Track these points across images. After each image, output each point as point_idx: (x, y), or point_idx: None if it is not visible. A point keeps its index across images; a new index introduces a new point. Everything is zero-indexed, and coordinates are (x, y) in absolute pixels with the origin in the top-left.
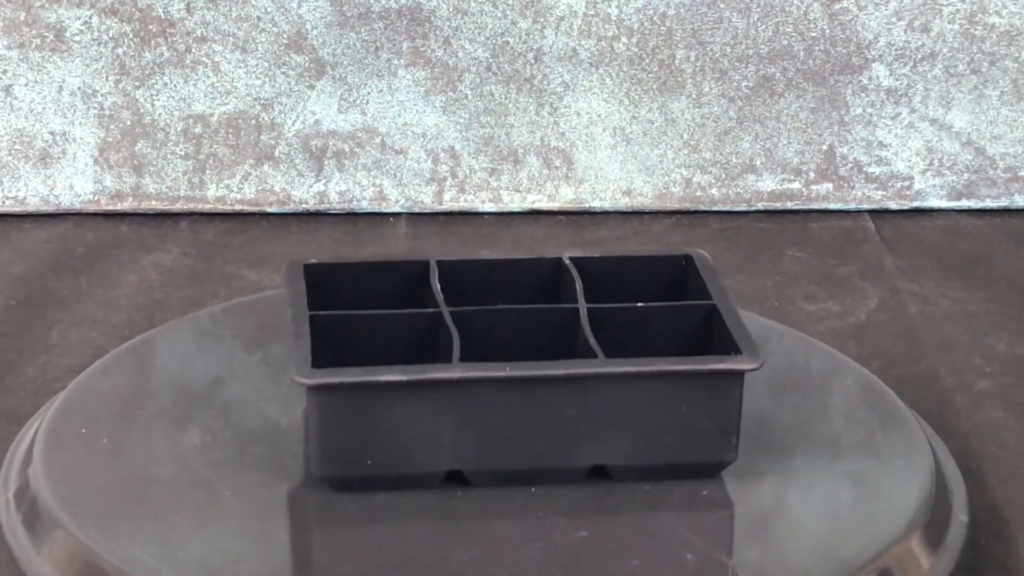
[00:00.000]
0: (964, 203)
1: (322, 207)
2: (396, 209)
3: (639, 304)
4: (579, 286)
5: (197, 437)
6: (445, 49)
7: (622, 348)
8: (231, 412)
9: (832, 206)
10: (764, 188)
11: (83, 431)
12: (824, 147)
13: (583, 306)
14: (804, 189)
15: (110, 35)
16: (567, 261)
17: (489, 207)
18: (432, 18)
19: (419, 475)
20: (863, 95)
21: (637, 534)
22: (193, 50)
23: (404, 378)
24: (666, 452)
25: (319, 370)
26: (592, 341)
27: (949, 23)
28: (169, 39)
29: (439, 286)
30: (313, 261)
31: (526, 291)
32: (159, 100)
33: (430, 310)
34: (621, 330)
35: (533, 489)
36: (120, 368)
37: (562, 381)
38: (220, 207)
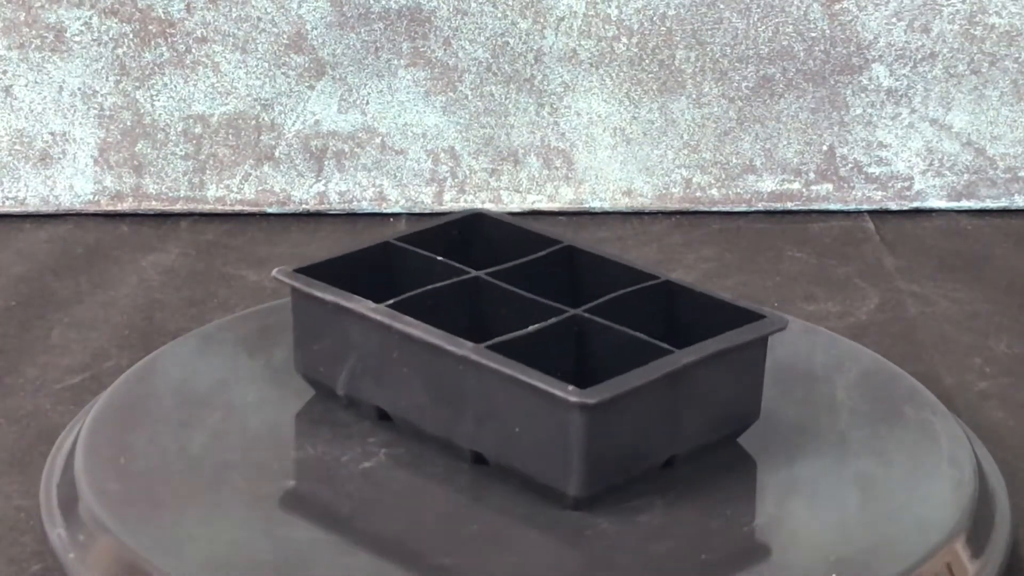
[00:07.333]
0: (964, 203)
1: (322, 207)
2: (396, 209)
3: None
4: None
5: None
6: (445, 49)
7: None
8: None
9: (832, 206)
10: (764, 188)
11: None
12: (824, 147)
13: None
14: (804, 189)
15: (110, 35)
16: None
17: (489, 207)
18: (432, 18)
19: None
20: (863, 95)
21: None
22: (193, 50)
23: None
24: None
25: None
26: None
27: (949, 23)
28: (169, 39)
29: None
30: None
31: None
32: (159, 100)
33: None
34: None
35: None
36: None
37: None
38: (220, 207)
